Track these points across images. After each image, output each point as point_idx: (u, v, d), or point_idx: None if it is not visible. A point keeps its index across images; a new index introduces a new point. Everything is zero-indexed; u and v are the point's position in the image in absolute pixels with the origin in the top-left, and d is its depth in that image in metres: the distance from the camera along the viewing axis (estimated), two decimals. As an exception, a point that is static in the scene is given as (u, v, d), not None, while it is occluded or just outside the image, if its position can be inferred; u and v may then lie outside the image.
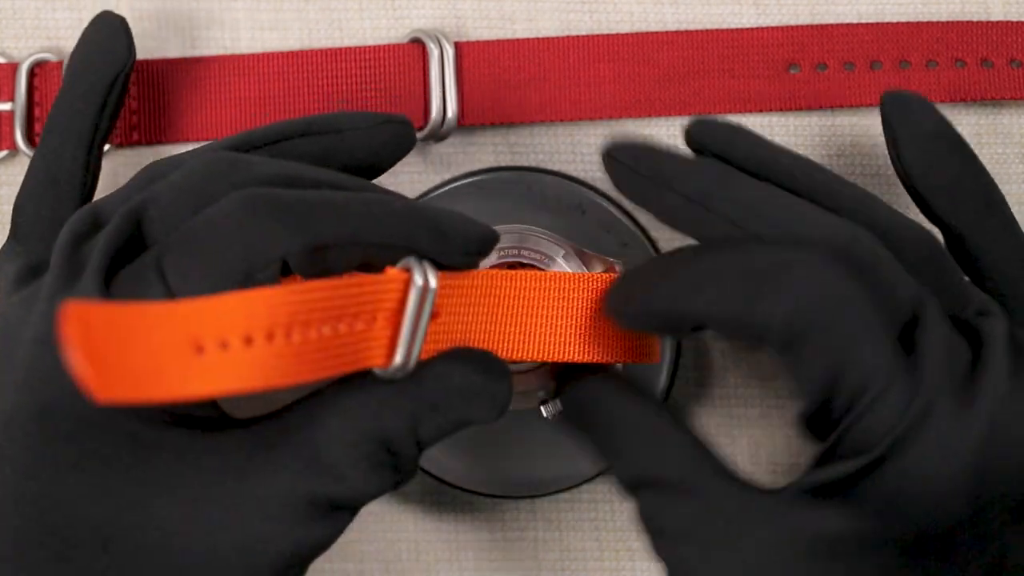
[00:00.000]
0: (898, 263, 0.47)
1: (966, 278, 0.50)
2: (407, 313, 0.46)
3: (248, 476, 0.46)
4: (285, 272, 0.47)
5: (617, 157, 0.50)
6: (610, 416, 0.48)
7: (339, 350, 0.45)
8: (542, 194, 0.58)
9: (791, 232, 0.47)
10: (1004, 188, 0.58)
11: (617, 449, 0.48)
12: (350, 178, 0.48)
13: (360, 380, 0.47)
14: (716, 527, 0.46)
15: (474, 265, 0.48)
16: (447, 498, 0.59)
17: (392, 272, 0.46)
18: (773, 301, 0.45)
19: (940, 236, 0.51)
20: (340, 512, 0.47)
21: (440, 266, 0.47)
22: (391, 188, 0.59)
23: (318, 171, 0.48)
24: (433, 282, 0.46)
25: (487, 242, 0.48)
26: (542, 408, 0.55)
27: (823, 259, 0.45)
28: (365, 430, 0.47)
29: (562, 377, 0.51)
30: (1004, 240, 0.50)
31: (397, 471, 0.47)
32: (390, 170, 0.59)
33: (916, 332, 0.46)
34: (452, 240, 0.47)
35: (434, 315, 0.47)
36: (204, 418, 0.47)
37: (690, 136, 0.50)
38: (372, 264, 0.47)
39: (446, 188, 0.58)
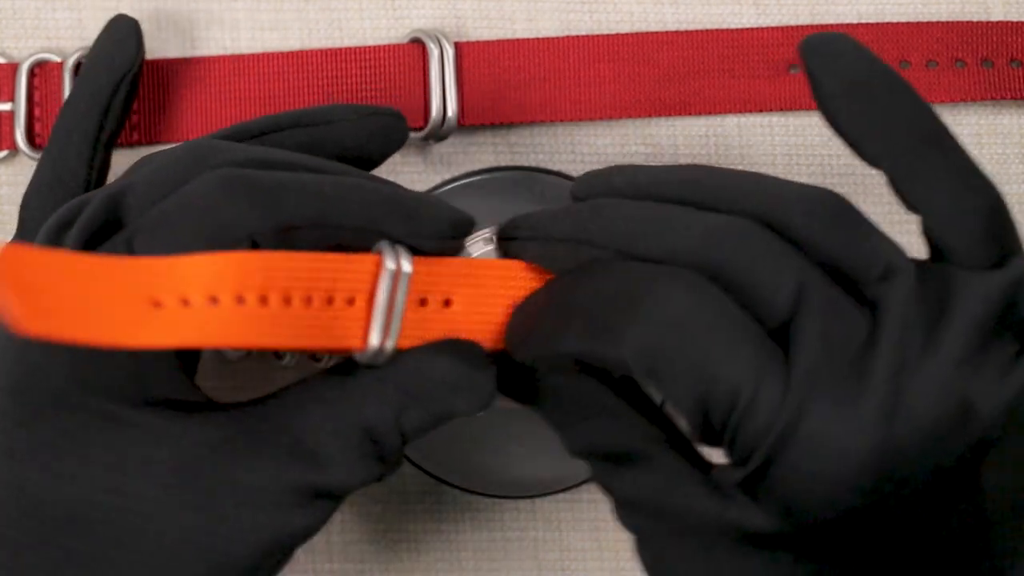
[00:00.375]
0: (779, 249, 0.44)
1: (883, 233, 0.46)
2: (378, 297, 0.46)
3: (228, 461, 0.46)
4: None
5: (504, 237, 0.49)
6: (556, 389, 0.48)
7: (316, 324, 0.46)
8: (542, 194, 0.58)
9: (659, 244, 0.45)
10: (1004, 188, 0.58)
11: (564, 421, 0.48)
12: (327, 162, 0.48)
13: (345, 371, 0.48)
14: (662, 504, 0.45)
15: (450, 250, 0.48)
16: (447, 498, 0.59)
17: (367, 255, 0.47)
18: (623, 334, 0.44)
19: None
20: (323, 501, 0.47)
21: (418, 253, 0.47)
22: (391, 188, 0.59)
23: (294, 155, 0.48)
24: (407, 267, 0.46)
25: (461, 226, 0.48)
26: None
27: (673, 280, 0.44)
28: (348, 419, 0.47)
29: (501, 357, 0.50)
30: (942, 175, 0.45)
31: (381, 461, 0.47)
32: (391, 170, 0.59)
33: (791, 323, 0.44)
34: (423, 223, 0.47)
35: (422, 302, 0.47)
36: (185, 401, 0.47)
37: (573, 196, 0.49)
38: (345, 248, 0.47)
39: (446, 188, 0.58)
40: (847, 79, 0.46)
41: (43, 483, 0.46)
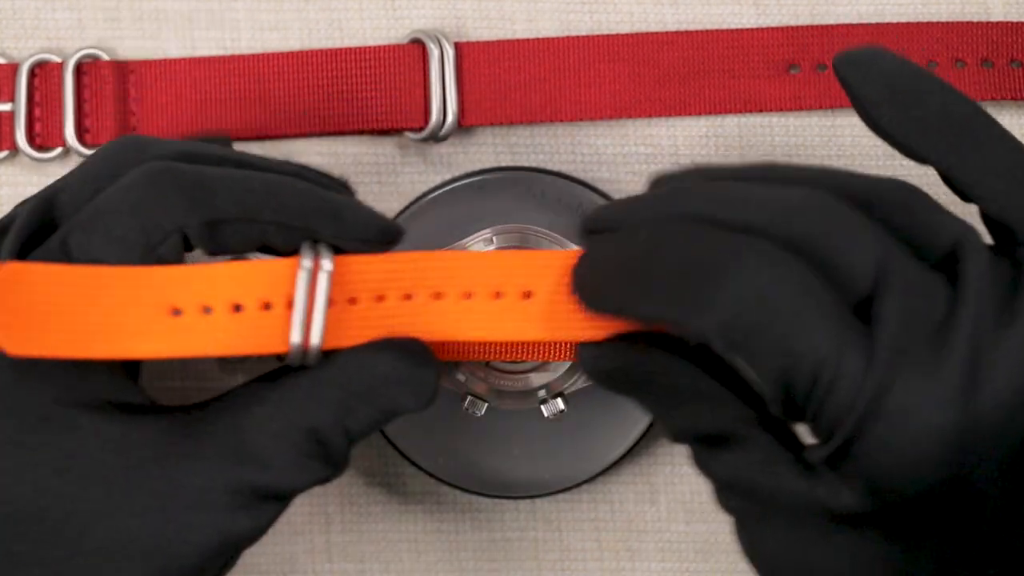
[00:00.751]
0: (859, 223, 0.45)
1: (954, 215, 0.47)
2: (296, 294, 0.46)
3: (171, 463, 0.46)
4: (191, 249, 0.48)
5: (589, 230, 0.49)
6: (651, 376, 0.48)
7: (249, 331, 0.46)
8: (542, 194, 0.57)
9: (742, 214, 0.45)
10: (1004, 188, 0.58)
11: (661, 408, 0.47)
12: (259, 157, 0.49)
13: (290, 373, 0.48)
14: (756, 485, 0.45)
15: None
16: (447, 498, 0.59)
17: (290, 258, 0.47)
18: (707, 305, 0.44)
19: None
20: (269, 502, 0.47)
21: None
22: (392, 189, 0.59)
23: (225, 149, 0.49)
24: (327, 264, 0.46)
25: (387, 233, 0.48)
26: (543, 408, 0.56)
27: (757, 252, 0.44)
28: (291, 420, 0.47)
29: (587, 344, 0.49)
30: (995, 162, 0.47)
31: (327, 463, 0.47)
32: (392, 171, 0.59)
33: (873, 300, 0.44)
34: (350, 226, 0.47)
35: (351, 300, 0.47)
36: (128, 404, 0.47)
37: (655, 184, 0.49)
38: (273, 247, 0.47)
39: (446, 188, 0.58)
40: (886, 85, 0.47)
41: None
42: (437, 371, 0.48)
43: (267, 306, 0.46)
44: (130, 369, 0.48)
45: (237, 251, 0.47)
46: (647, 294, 0.45)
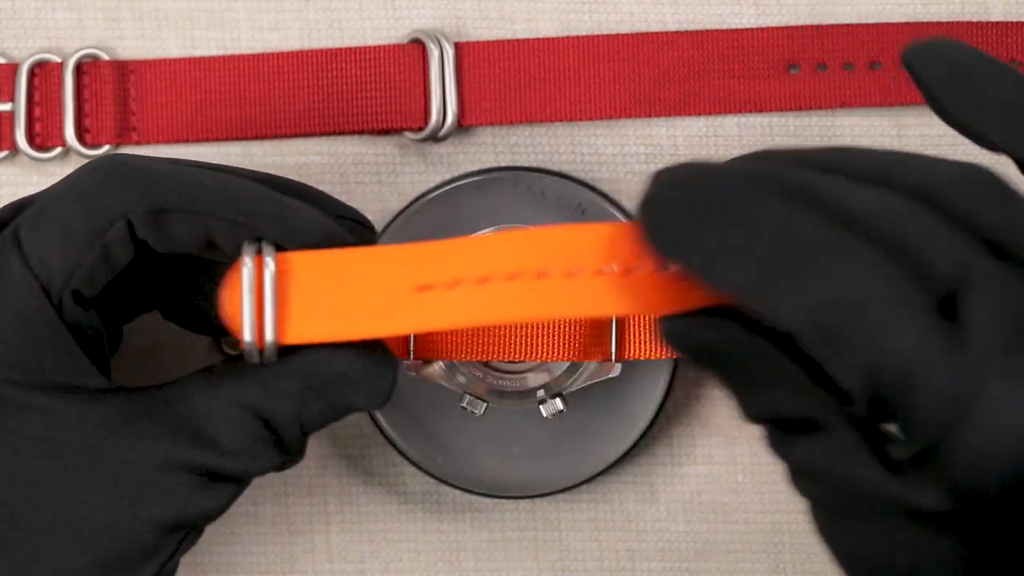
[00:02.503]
0: (944, 223, 0.45)
1: None
2: (241, 292, 0.47)
3: (126, 442, 0.47)
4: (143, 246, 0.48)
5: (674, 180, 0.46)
6: (733, 354, 0.47)
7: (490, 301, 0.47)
8: (542, 194, 0.58)
9: (833, 210, 0.45)
10: (1004, 188, 0.58)
11: (740, 387, 0.47)
12: (230, 167, 0.50)
13: (249, 363, 0.49)
14: (837, 475, 0.45)
15: None
16: (447, 498, 0.59)
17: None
18: (795, 294, 0.44)
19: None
20: (224, 484, 0.48)
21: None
22: (392, 190, 0.59)
23: (189, 160, 0.50)
24: (270, 262, 0.47)
25: (332, 239, 0.49)
26: (542, 408, 0.56)
27: (846, 247, 0.44)
28: (245, 406, 0.48)
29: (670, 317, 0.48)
30: None
31: (282, 451, 0.48)
32: (392, 171, 0.59)
33: (959, 299, 0.44)
34: (293, 227, 0.48)
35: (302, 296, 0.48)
36: (84, 387, 0.48)
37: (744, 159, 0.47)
38: (217, 245, 0.48)
39: (446, 188, 0.58)
40: (958, 74, 0.46)
41: None
42: (395, 371, 0.49)
43: (483, 280, 0.47)
44: (96, 357, 0.49)
45: (183, 246, 0.48)
46: (731, 266, 0.44)
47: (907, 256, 0.44)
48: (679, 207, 0.45)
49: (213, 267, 0.51)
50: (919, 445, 0.44)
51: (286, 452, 0.49)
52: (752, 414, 0.47)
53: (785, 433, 0.46)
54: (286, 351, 0.48)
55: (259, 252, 0.47)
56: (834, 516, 0.46)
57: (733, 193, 0.44)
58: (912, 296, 0.44)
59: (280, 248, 0.47)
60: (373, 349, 0.49)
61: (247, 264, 0.47)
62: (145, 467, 0.47)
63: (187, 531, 0.48)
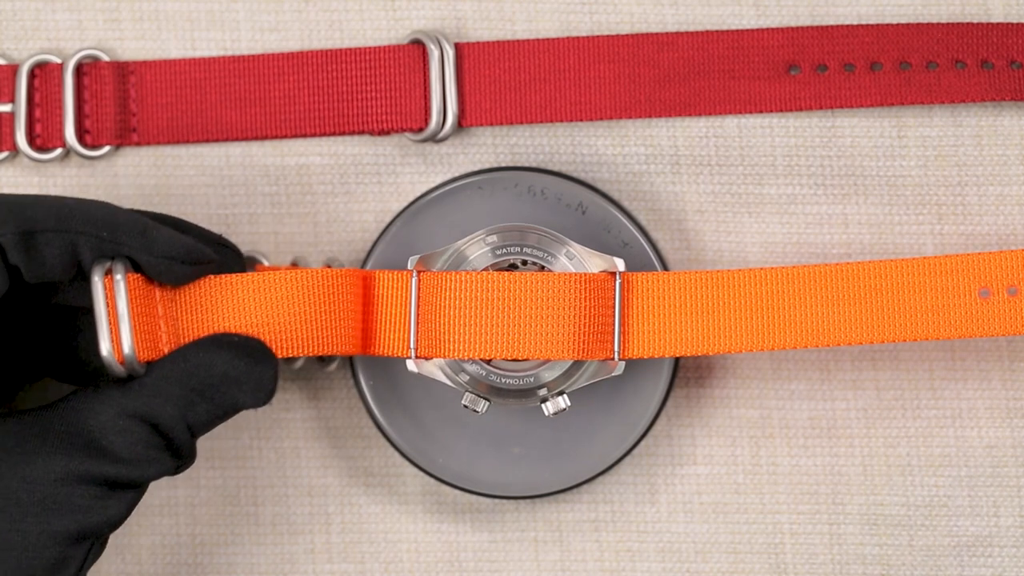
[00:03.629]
0: None
1: None
2: (95, 306, 0.50)
3: (24, 461, 0.49)
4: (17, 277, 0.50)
5: None
6: None
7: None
8: (542, 194, 0.58)
9: None
10: (1005, 190, 0.58)
11: None
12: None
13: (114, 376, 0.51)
14: None
15: (180, 273, 0.51)
16: (447, 498, 0.59)
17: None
18: None
19: None
20: (122, 491, 0.50)
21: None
22: (392, 190, 0.59)
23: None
24: (119, 278, 0.50)
25: (192, 253, 0.51)
26: (544, 406, 0.55)
27: None
28: (134, 414, 0.50)
29: None
30: None
31: (173, 454, 0.50)
32: (392, 171, 0.59)
33: None
34: (154, 241, 0.50)
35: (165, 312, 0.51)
36: None
37: None
38: (83, 263, 0.50)
39: (446, 188, 0.58)
40: None
41: None
42: (276, 369, 0.51)
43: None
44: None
45: (52, 269, 0.50)
46: None
47: None
48: None
49: (87, 313, 0.53)
50: None
51: (177, 455, 0.51)
52: None
53: None
54: (174, 356, 0.50)
55: (109, 272, 0.50)
56: None
57: None
58: None
59: (136, 267, 0.50)
60: (252, 347, 0.51)
61: (94, 279, 0.49)
62: (44, 483, 0.49)
63: (92, 541, 0.50)
